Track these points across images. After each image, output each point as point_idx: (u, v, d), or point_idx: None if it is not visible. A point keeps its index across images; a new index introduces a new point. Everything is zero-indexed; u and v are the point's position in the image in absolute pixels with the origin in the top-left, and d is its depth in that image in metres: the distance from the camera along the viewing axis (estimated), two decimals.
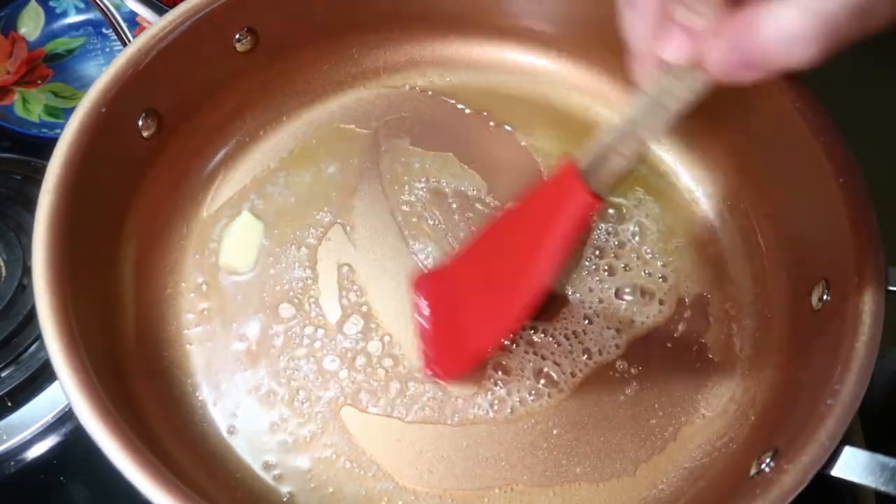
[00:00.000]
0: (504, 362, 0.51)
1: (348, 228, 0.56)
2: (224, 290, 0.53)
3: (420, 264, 0.54)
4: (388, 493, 0.47)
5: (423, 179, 0.58)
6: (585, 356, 0.51)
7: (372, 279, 0.54)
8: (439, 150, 0.59)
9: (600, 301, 0.53)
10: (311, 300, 0.53)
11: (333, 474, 0.47)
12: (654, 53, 0.38)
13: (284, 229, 0.55)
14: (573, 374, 0.51)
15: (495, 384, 0.50)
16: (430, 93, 0.62)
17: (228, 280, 0.53)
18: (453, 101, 0.62)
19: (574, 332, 0.52)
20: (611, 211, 0.57)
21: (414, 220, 0.56)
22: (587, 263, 0.55)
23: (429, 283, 0.52)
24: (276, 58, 0.58)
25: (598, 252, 0.55)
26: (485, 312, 0.49)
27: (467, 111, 0.61)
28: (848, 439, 0.40)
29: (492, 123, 0.61)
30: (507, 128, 0.61)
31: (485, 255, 0.50)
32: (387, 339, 0.51)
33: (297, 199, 0.57)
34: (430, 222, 0.56)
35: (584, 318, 0.53)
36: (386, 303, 0.53)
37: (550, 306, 0.52)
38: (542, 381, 0.50)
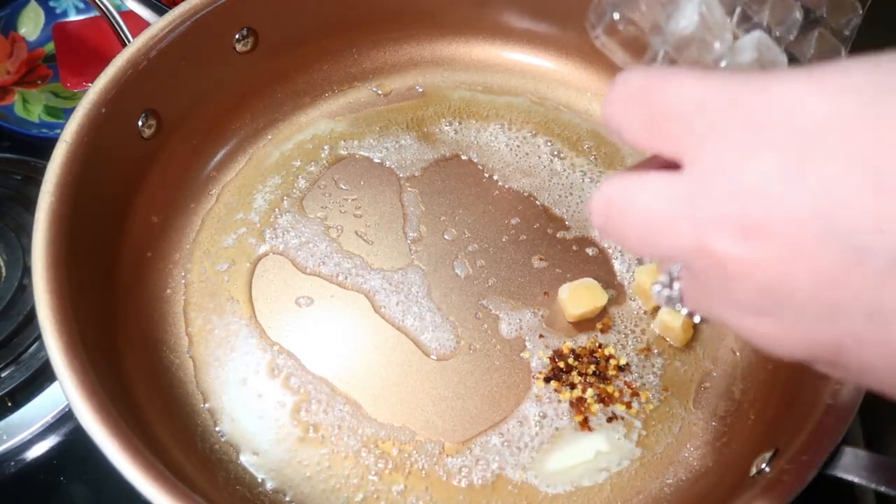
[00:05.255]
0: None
1: (352, 228, 0.56)
2: (223, 291, 0.53)
3: (416, 259, 0.55)
4: (390, 492, 0.47)
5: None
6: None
7: (381, 271, 0.54)
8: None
9: None
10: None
11: (334, 474, 0.47)
12: None
13: (284, 230, 0.56)
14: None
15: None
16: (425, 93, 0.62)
17: (227, 280, 0.53)
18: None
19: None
20: None
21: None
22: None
23: None
24: (276, 58, 0.59)
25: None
26: None
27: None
28: (848, 439, 0.40)
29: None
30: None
31: None
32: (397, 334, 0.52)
33: (298, 199, 0.57)
34: (443, 218, 0.57)
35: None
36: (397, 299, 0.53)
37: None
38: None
